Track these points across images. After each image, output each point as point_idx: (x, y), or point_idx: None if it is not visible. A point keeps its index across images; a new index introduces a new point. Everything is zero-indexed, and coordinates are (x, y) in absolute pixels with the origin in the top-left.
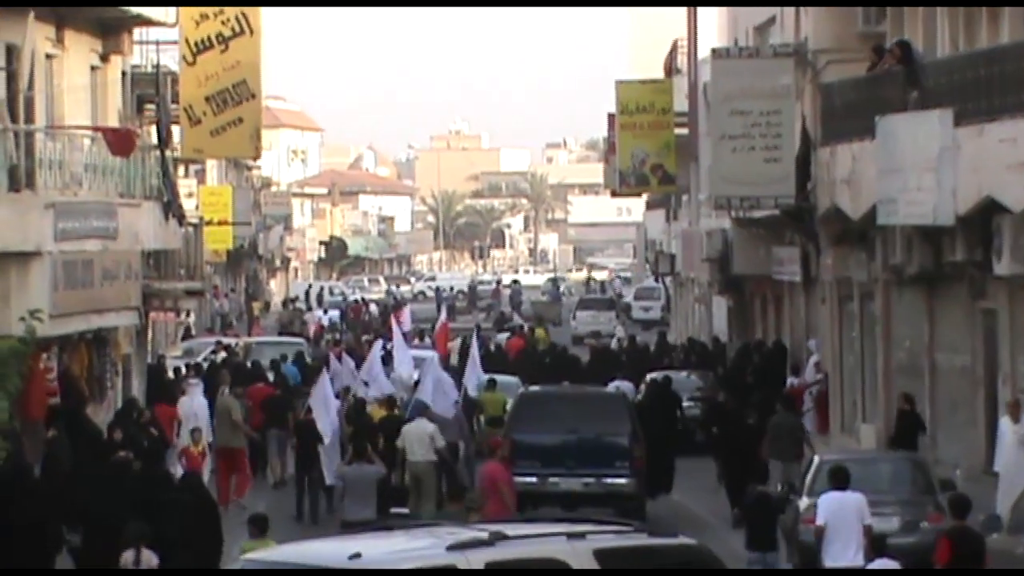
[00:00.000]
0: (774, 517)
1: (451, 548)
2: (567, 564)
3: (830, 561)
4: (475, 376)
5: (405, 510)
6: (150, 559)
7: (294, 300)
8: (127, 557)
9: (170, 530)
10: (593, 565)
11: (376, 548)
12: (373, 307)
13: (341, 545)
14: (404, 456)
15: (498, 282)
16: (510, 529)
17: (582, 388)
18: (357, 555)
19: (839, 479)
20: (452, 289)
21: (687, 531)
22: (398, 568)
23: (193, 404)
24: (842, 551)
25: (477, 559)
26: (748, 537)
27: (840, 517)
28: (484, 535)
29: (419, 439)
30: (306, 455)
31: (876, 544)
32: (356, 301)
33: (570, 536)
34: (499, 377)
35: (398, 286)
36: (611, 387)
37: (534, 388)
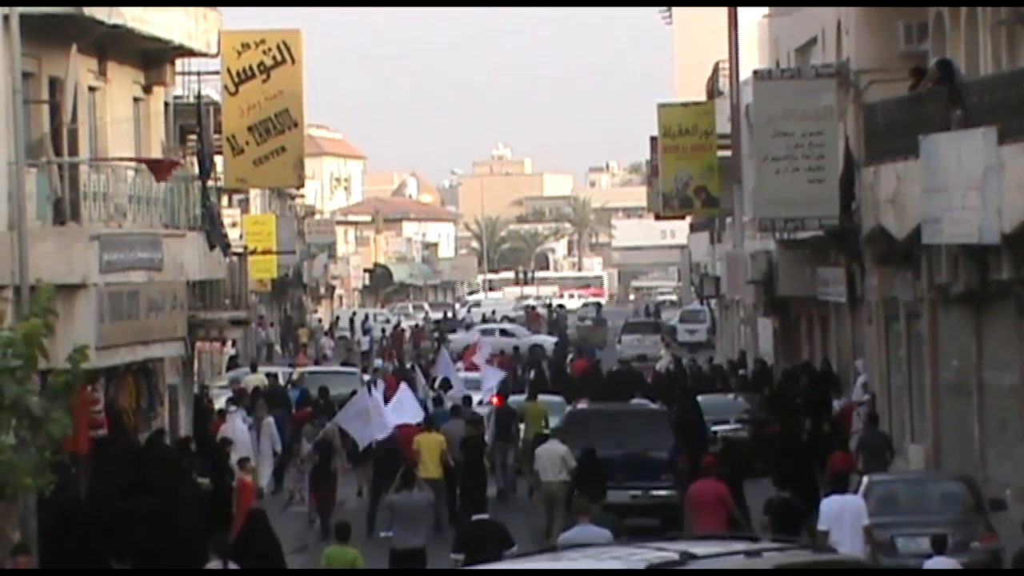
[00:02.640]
0: (798, 521)
1: (650, 571)
2: None
3: None
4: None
5: (485, 515)
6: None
7: (334, 324)
8: (215, 565)
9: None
10: None
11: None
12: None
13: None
14: (538, 476)
15: (532, 307)
16: (692, 547)
17: (627, 405)
18: None
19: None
20: (493, 313)
21: None
22: None
23: (235, 431)
24: (843, 551)
25: None
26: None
27: (841, 520)
28: (675, 556)
29: (551, 460)
30: (321, 472)
31: (936, 543)
32: (408, 326)
33: (747, 554)
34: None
35: (451, 315)
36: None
37: (582, 406)
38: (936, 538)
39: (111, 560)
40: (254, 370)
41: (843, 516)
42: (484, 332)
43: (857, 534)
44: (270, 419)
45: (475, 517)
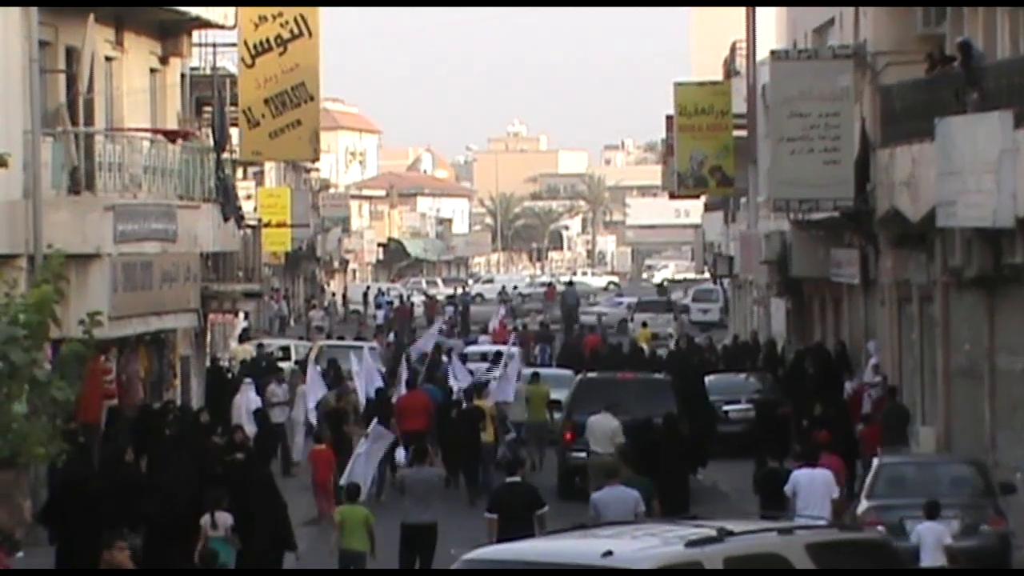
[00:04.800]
0: (782, 488)
1: (689, 545)
2: (786, 558)
3: None
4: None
5: (518, 478)
6: (225, 520)
7: (335, 297)
8: (205, 519)
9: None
10: (805, 558)
11: (616, 547)
12: (449, 308)
13: (582, 544)
14: (588, 446)
15: (550, 283)
16: (729, 525)
17: (633, 374)
18: (609, 553)
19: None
20: (506, 289)
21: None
22: (653, 568)
23: (249, 401)
24: None
25: (716, 555)
26: (761, 505)
27: (810, 490)
28: (712, 532)
29: (603, 433)
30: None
31: (929, 509)
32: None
33: (780, 532)
34: (543, 371)
35: (461, 289)
36: None
37: (591, 374)
38: (929, 504)
39: (124, 529)
40: (241, 340)
41: (812, 487)
42: (643, 306)
43: (825, 506)
44: (303, 388)
45: (508, 479)
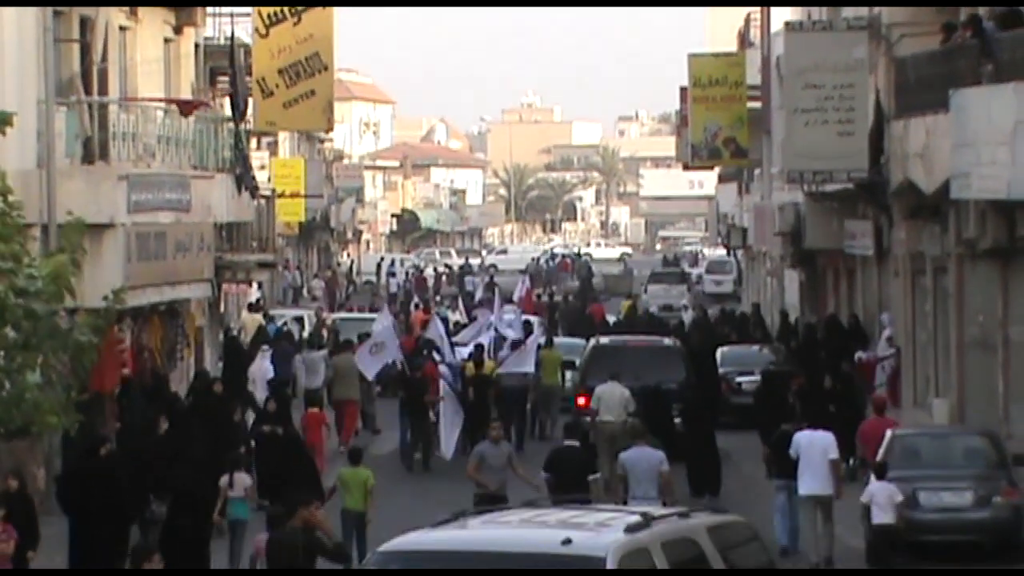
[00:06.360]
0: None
1: (628, 530)
2: (698, 542)
3: (803, 489)
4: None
5: (575, 442)
6: (243, 480)
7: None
8: (224, 480)
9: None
10: (708, 540)
11: (561, 535)
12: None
13: (532, 532)
14: (596, 416)
15: (564, 256)
16: (647, 510)
17: (644, 340)
18: (568, 541)
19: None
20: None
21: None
22: (613, 555)
23: (263, 367)
24: (811, 480)
25: (655, 540)
26: (777, 467)
27: (810, 452)
28: (637, 517)
29: (614, 402)
30: (412, 410)
31: (878, 469)
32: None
33: (680, 516)
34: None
35: (466, 259)
36: None
37: (604, 340)
38: (880, 464)
39: (150, 496)
40: (251, 310)
41: (812, 449)
42: (656, 277)
43: (823, 466)
44: (311, 356)
45: (566, 442)
